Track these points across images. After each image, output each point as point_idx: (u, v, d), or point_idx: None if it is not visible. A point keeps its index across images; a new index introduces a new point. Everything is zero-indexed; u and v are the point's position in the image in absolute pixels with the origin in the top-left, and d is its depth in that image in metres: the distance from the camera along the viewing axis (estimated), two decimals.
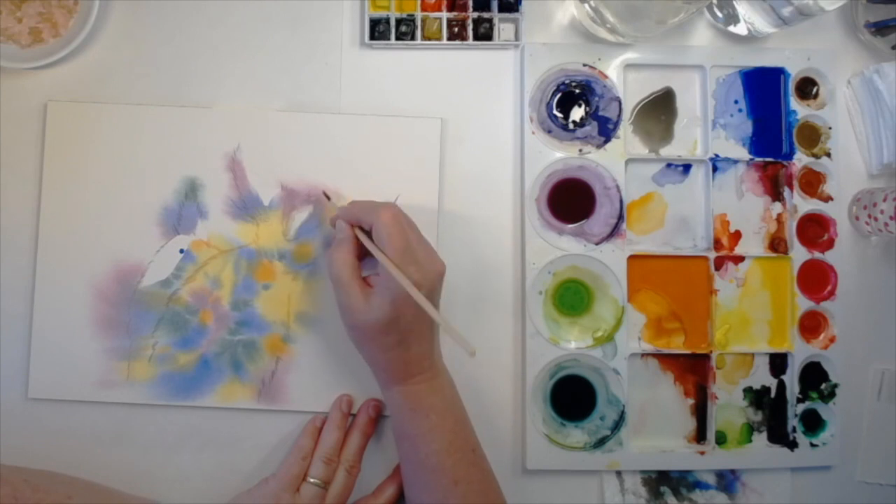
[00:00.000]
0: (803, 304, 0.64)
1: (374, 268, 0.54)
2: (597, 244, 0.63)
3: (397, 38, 0.62)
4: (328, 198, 0.60)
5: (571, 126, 0.64)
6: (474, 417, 0.57)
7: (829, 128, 0.65)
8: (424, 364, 0.54)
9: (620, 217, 0.63)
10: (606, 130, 0.64)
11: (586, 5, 0.62)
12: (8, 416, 0.59)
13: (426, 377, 0.54)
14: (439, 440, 0.53)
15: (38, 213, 0.60)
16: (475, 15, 0.63)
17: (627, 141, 0.64)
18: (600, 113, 0.64)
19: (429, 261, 0.53)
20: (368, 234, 0.54)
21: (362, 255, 0.55)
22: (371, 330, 0.52)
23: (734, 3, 0.63)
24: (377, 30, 0.62)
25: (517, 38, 0.64)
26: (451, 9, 0.63)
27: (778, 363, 0.64)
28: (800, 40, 0.66)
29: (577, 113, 0.64)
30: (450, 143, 0.63)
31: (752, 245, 0.64)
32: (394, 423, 0.56)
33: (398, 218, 0.52)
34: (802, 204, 0.65)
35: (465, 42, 0.63)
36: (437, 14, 0.63)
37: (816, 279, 0.65)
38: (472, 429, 0.56)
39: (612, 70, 0.64)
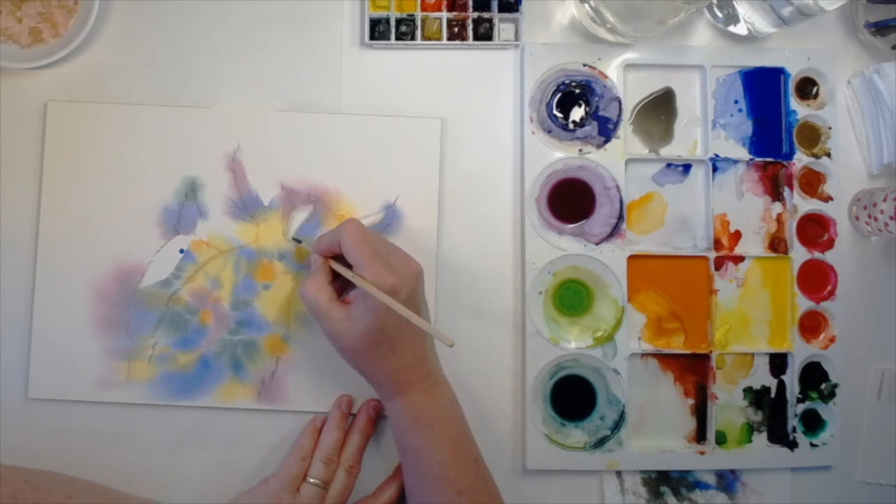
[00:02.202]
0: (803, 304, 0.64)
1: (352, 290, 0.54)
2: (597, 244, 0.63)
3: (397, 38, 0.62)
4: (299, 242, 0.60)
5: (571, 126, 0.64)
6: (474, 418, 0.57)
7: (829, 128, 0.65)
8: (422, 370, 0.54)
9: (620, 217, 0.63)
10: (606, 130, 0.64)
11: (586, 5, 0.62)
12: (8, 416, 0.59)
13: (425, 385, 0.54)
14: (443, 451, 0.53)
15: (38, 213, 0.60)
16: (475, 15, 0.63)
17: (627, 141, 0.64)
18: (600, 113, 0.64)
19: (403, 263, 0.53)
20: (341, 261, 0.54)
21: (339, 284, 0.55)
22: (362, 344, 0.52)
23: (734, 3, 0.63)
24: (377, 30, 0.62)
25: (517, 38, 0.64)
26: (451, 9, 0.63)
27: (778, 363, 0.64)
28: (800, 40, 0.66)
29: (577, 113, 0.64)
30: (450, 143, 0.63)
31: (752, 245, 0.64)
32: (396, 437, 0.56)
33: (360, 228, 0.53)
34: (802, 204, 0.65)
35: (465, 42, 0.63)
36: (437, 14, 0.63)
37: (816, 279, 0.65)
38: (473, 438, 0.56)
39: (612, 70, 0.64)
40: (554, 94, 0.64)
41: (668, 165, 0.65)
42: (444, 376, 0.56)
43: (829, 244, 0.65)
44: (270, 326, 0.61)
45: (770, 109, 0.65)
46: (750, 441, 0.63)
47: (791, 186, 0.65)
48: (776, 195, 0.65)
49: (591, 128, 0.64)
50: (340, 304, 0.53)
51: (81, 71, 0.61)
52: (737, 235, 0.64)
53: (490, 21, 0.63)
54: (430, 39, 0.63)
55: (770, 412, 0.64)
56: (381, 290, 0.50)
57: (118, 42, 0.62)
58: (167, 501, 0.59)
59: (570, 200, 0.63)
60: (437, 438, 0.53)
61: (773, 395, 0.64)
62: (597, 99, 0.64)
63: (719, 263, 0.64)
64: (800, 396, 0.63)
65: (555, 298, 0.63)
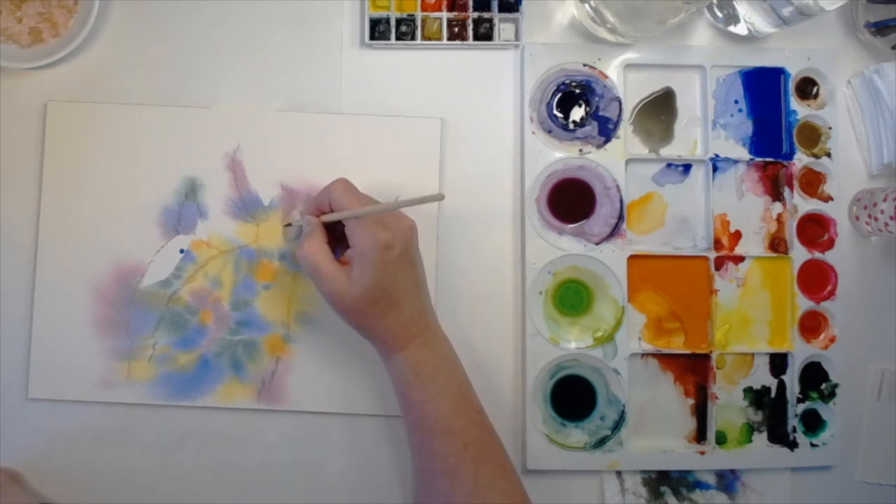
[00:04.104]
0: (803, 304, 0.64)
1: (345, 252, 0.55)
2: (597, 244, 0.63)
3: (397, 38, 0.62)
4: (290, 224, 0.60)
5: (571, 126, 0.64)
6: None
7: (829, 128, 0.65)
8: (421, 325, 0.54)
9: (620, 217, 0.63)
10: (606, 130, 0.64)
11: (586, 5, 0.62)
12: (8, 416, 0.59)
13: (425, 339, 0.54)
14: (447, 404, 0.53)
15: (38, 213, 0.60)
16: (475, 15, 0.63)
17: (627, 141, 0.64)
18: (600, 113, 0.64)
19: (395, 219, 0.53)
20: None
21: (332, 244, 0.55)
22: (362, 303, 0.52)
23: (734, 3, 0.63)
24: (377, 30, 0.62)
25: (517, 38, 0.64)
26: (451, 9, 0.63)
27: (778, 363, 0.64)
28: (800, 40, 0.66)
29: (578, 113, 0.64)
30: (450, 143, 0.63)
31: (752, 245, 0.64)
32: (399, 394, 0.55)
33: (349, 184, 0.54)
34: (802, 204, 0.65)
35: (465, 42, 0.63)
36: (437, 14, 0.63)
37: (816, 279, 0.65)
38: (474, 391, 0.56)
39: (612, 70, 0.64)
40: (554, 94, 0.64)
41: (668, 165, 0.65)
42: (444, 332, 0.56)
43: (829, 244, 0.65)
44: (270, 326, 0.61)
45: (770, 109, 0.65)
46: (750, 441, 0.63)
47: (791, 186, 0.65)
48: (776, 195, 0.65)
49: (592, 128, 0.64)
50: (339, 265, 0.53)
51: (81, 71, 0.61)
52: (737, 235, 0.64)
53: (490, 21, 0.63)
54: (430, 39, 0.63)
55: (770, 412, 0.64)
56: (374, 245, 0.50)
57: (118, 42, 0.62)
58: (167, 501, 0.59)
59: (570, 200, 0.63)
60: (440, 392, 0.53)
61: (773, 395, 0.64)
62: (597, 99, 0.64)
63: (719, 263, 0.64)
64: (800, 396, 0.63)
65: (555, 298, 0.63)
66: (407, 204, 0.52)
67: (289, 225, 0.60)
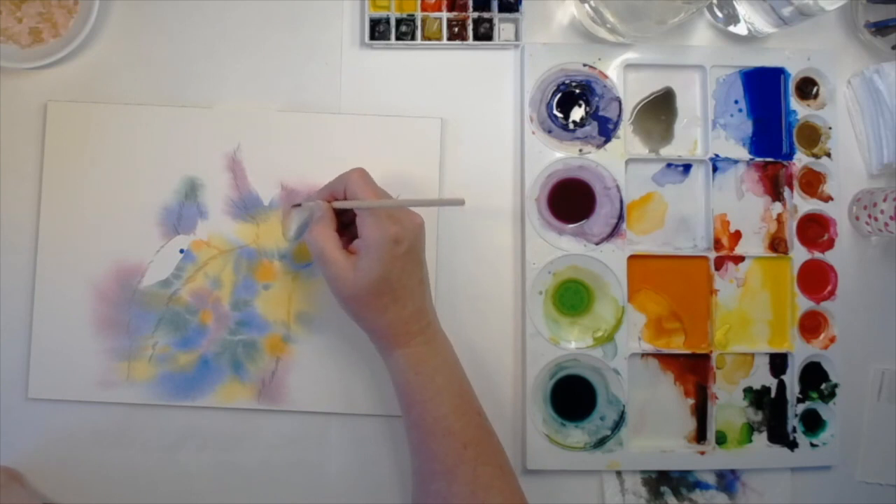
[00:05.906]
0: (803, 304, 0.64)
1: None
2: (597, 244, 0.63)
3: (397, 38, 0.62)
4: (299, 204, 0.60)
5: (571, 126, 0.64)
6: None
7: (829, 128, 0.65)
8: (422, 323, 0.54)
9: (620, 217, 0.63)
10: (606, 130, 0.64)
11: (586, 5, 0.62)
12: (8, 416, 0.59)
13: (426, 338, 0.54)
14: (447, 403, 0.53)
15: (38, 213, 0.60)
16: (475, 15, 0.63)
17: (627, 141, 0.64)
18: (600, 113, 0.64)
19: (405, 214, 0.54)
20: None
21: (342, 232, 0.55)
22: (365, 295, 0.52)
23: (734, 3, 0.63)
24: (377, 30, 0.62)
25: (517, 38, 0.64)
26: (451, 9, 0.63)
27: (778, 363, 0.64)
28: (800, 40, 0.66)
29: (578, 113, 0.64)
30: (450, 143, 0.63)
31: (752, 245, 0.64)
32: (399, 393, 0.55)
33: (366, 174, 0.54)
34: (802, 204, 0.65)
35: (465, 42, 0.63)
36: (437, 14, 0.63)
37: (816, 279, 0.65)
38: (474, 391, 0.56)
39: (612, 70, 0.64)
40: (554, 94, 0.64)
41: (669, 165, 0.65)
42: (444, 332, 0.56)
43: (829, 244, 0.65)
44: (270, 326, 0.61)
45: (770, 109, 0.65)
46: (750, 441, 0.63)
47: (791, 186, 0.65)
48: (776, 195, 0.65)
49: (592, 128, 0.64)
50: (347, 253, 0.53)
51: (81, 71, 0.61)
52: (737, 235, 0.64)
53: (490, 21, 0.63)
54: (430, 39, 0.63)
55: (770, 412, 0.64)
56: (384, 238, 0.50)
57: (118, 42, 0.62)
58: (167, 501, 0.59)
59: (570, 200, 0.63)
60: (440, 391, 0.53)
61: (773, 395, 0.64)
62: (597, 99, 0.64)
63: (719, 263, 0.64)
64: (800, 396, 0.63)
65: (555, 298, 0.63)
66: (424, 203, 0.52)
67: (298, 205, 0.60)
